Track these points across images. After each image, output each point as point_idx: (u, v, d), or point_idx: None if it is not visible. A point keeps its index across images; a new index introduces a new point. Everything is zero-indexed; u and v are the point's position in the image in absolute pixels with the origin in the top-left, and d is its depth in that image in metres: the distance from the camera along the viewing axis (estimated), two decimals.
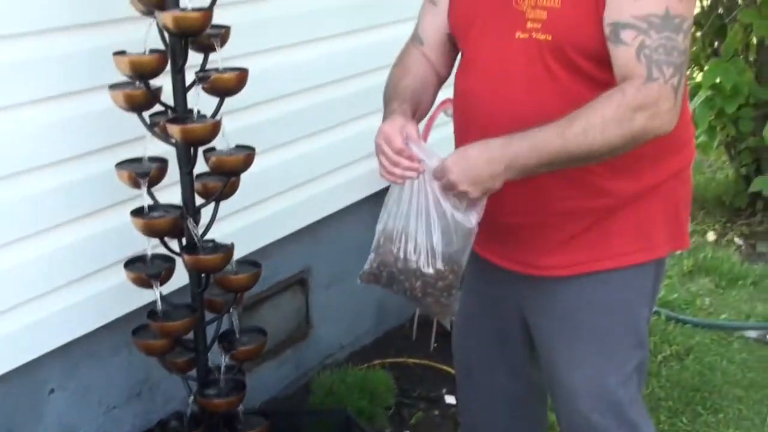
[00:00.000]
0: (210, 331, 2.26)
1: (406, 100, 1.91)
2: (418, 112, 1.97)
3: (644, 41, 1.67)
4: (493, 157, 1.71)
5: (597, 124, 1.67)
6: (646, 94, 1.67)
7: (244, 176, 2.20)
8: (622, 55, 1.70)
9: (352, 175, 3.12)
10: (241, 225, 2.60)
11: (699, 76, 4.69)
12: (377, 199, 3.26)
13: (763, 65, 4.59)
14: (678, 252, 4.00)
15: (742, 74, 4.34)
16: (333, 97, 2.96)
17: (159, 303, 2.13)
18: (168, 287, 2.19)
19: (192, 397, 2.24)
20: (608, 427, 2.01)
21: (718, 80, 4.35)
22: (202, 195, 2.18)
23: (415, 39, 2.07)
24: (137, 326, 2.22)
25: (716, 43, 4.74)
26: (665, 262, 2.08)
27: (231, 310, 2.25)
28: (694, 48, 4.79)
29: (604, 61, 1.74)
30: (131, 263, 2.16)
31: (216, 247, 2.17)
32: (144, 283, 2.13)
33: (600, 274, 1.94)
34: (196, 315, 2.20)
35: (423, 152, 1.77)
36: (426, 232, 1.79)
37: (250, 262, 2.26)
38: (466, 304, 2.14)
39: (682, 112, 1.79)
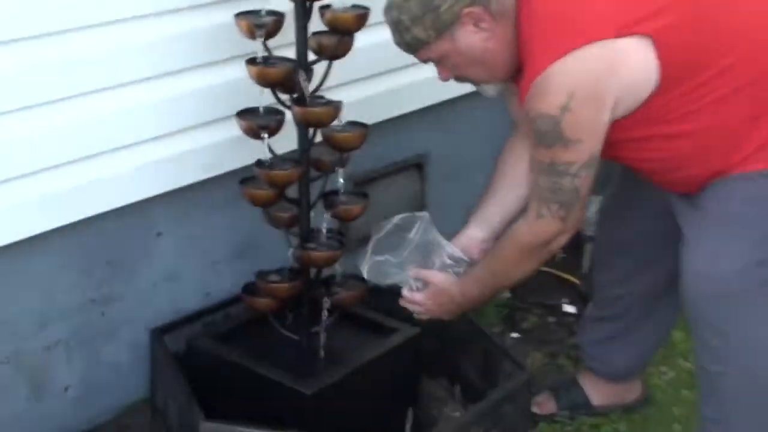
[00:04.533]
0: (315, 191, 2.33)
1: (481, 222, 2.29)
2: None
3: (537, 180, 2.02)
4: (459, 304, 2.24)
5: (513, 262, 2.13)
6: (536, 232, 2.05)
7: (363, 46, 2.25)
8: (530, 179, 2.08)
9: None
10: (360, 95, 2.60)
11: None
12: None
13: None
14: None
15: None
16: None
17: (267, 152, 2.19)
18: (278, 148, 2.23)
19: (292, 250, 2.31)
20: (710, 319, 2.10)
21: None
22: (315, 52, 2.21)
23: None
24: (245, 177, 2.28)
25: None
26: None
27: (336, 169, 2.29)
28: None
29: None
30: (244, 113, 2.22)
31: (326, 102, 2.22)
32: (254, 133, 2.18)
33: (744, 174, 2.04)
34: (301, 167, 2.25)
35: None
36: None
37: (358, 124, 2.29)
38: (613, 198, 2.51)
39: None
